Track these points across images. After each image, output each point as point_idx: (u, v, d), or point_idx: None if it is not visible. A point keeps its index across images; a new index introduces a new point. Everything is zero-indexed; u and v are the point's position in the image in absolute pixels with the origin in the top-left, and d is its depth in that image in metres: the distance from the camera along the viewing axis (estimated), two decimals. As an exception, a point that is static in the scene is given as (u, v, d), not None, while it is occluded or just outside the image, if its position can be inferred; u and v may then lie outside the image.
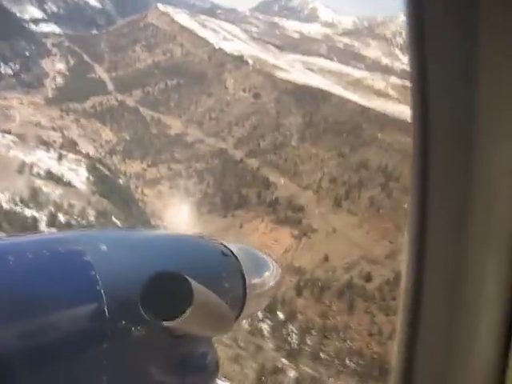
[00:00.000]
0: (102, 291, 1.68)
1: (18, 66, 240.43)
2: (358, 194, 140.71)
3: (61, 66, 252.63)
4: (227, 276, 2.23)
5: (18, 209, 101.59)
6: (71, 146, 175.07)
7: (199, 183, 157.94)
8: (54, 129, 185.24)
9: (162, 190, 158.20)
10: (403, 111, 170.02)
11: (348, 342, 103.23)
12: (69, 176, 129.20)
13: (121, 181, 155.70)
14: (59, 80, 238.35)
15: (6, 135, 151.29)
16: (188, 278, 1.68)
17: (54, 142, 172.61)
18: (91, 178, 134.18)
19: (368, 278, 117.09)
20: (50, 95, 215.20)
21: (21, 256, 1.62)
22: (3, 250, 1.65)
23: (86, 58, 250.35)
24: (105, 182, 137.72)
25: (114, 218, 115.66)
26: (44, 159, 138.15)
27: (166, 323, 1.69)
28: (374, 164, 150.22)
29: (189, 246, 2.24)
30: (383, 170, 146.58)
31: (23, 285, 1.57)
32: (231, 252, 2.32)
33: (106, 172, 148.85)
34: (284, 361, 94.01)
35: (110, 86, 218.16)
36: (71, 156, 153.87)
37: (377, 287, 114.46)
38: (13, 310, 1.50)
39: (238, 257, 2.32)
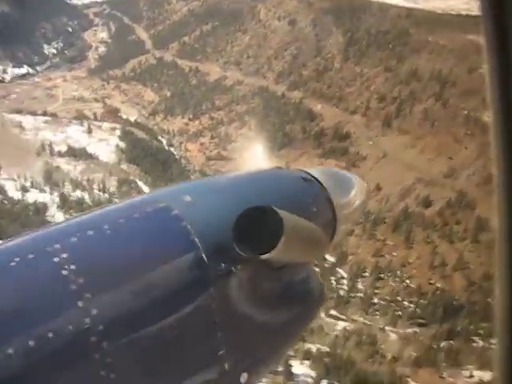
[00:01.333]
0: (197, 240, 1.72)
1: (61, 44, 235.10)
2: (410, 109, 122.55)
3: (103, 34, 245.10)
4: (313, 201, 2.22)
5: (28, 195, 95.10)
6: (112, 114, 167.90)
7: (240, 127, 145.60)
8: (96, 100, 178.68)
9: (205, 142, 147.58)
10: (455, 5, 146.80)
11: (406, 280, 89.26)
12: (95, 148, 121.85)
13: (159, 141, 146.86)
14: (102, 49, 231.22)
15: (39, 117, 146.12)
16: (275, 208, 1.68)
17: (95, 113, 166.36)
18: (122, 145, 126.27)
19: (426, 203, 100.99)
20: (93, 66, 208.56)
21: (114, 223, 1.68)
22: (97, 221, 1.70)
23: (126, 20, 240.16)
24: (137, 147, 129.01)
25: (140, 184, 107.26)
26: (74, 135, 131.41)
27: (263, 257, 1.69)
28: (425, 72, 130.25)
29: (269, 179, 2.25)
30: (436, 77, 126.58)
31: (122, 249, 1.64)
32: (312, 176, 2.32)
33: (142, 135, 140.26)
34: (333, 312, 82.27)
35: (149, 45, 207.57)
36: (106, 125, 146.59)
37: (437, 212, 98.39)
38: (118, 274, 1.56)
39: (321, 180, 2.32)
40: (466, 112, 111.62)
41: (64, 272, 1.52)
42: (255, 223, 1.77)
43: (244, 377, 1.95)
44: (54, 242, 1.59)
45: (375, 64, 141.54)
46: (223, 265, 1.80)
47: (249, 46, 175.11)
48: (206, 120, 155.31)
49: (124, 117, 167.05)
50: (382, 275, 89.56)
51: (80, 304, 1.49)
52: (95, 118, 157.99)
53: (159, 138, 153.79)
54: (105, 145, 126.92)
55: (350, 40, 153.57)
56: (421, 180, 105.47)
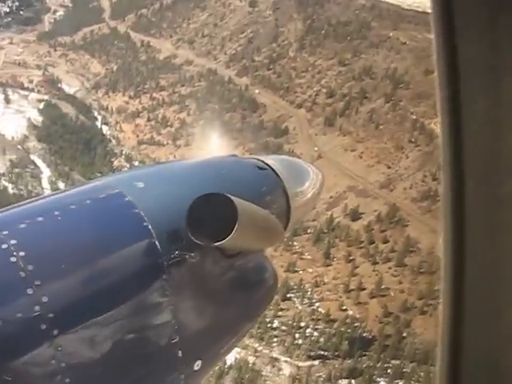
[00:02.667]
0: (150, 226, 1.67)
1: (16, 3, 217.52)
2: (357, 108, 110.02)
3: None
4: (268, 189, 2.21)
5: None
6: (50, 84, 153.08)
7: (179, 111, 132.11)
8: (38, 67, 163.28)
9: (140, 123, 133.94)
10: (422, 1, 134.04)
11: (316, 303, 77.32)
12: (4, 120, 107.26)
13: (93, 118, 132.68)
14: (60, 13, 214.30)
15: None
16: (229, 195, 1.66)
17: (31, 81, 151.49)
18: (39, 119, 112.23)
19: (355, 215, 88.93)
20: (46, 30, 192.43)
21: (65, 209, 1.64)
22: (47, 208, 1.65)
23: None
24: (57, 123, 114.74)
25: (42, 165, 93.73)
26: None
27: (217, 244, 1.67)
28: (380, 70, 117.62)
29: (223, 167, 2.22)
30: (391, 76, 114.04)
31: (74, 235, 1.59)
32: (267, 165, 2.31)
33: (69, 110, 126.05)
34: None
35: (107, 14, 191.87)
36: (33, 96, 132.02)
37: (365, 226, 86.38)
38: (70, 260, 1.53)
39: (275, 168, 2.31)
40: (414, 117, 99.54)
41: (12, 259, 1.46)
42: (209, 210, 1.72)
43: (198, 364, 1.92)
44: (2, 229, 1.52)
45: (330, 56, 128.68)
46: (177, 252, 1.75)
47: (205, 24, 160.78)
48: (147, 100, 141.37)
49: (64, 88, 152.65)
50: (290, 294, 77.41)
51: (29, 291, 1.44)
52: (28, 87, 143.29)
53: (95, 114, 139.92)
54: (19, 117, 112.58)
55: (308, 28, 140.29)
56: (354, 188, 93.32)
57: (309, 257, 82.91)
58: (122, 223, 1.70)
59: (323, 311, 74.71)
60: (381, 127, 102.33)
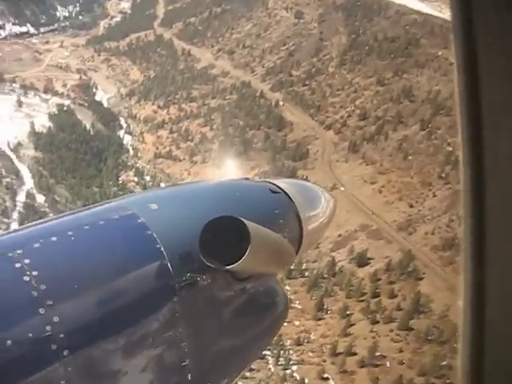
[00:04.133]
0: (162, 248, 1.68)
1: (77, 9, 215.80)
2: (388, 133, 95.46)
3: (125, 5, 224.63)
4: (280, 212, 2.21)
5: None
6: (83, 88, 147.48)
7: (204, 124, 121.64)
8: (78, 71, 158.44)
9: (162, 135, 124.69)
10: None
11: (292, 366, 63.80)
12: (6, 125, 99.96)
13: (111, 126, 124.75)
14: (117, 19, 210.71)
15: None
16: (242, 219, 1.66)
17: (65, 85, 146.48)
18: (46, 125, 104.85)
19: (362, 260, 74.81)
20: (99, 35, 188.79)
21: (79, 230, 1.64)
22: (61, 228, 1.64)
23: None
24: (65, 130, 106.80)
25: (26, 177, 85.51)
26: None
27: (228, 267, 1.66)
28: (421, 92, 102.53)
29: (237, 190, 2.23)
30: (432, 99, 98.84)
31: (87, 256, 1.59)
32: (280, 188, 2.32)
33: (85, 116, 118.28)
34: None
35: (158, 21, 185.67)
36: (54, 100, 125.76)
37: (371, 275, 72.12)
38: (83, 281, 1.52)
39: (288, 192, 2.32)
40: (450, 149, 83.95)
41: (26, 278, 1.45)
42: (222, 233, 1.71)
43: None
44: (16, 248, 1.51)
45: (369, 74, 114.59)
46: (188, 274, 1.74)
47: (248, 34, 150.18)
48: (175, 111, 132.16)
49: (98, 94, 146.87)
50: (266, 351, 64.31)
51: (41, 311, 1.43)
52: (57, 92, 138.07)
53: (121, 123, 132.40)
54: (25, 122, 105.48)
55: (352, 43, 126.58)
56: (366, 228, 79.04)
57: (299, 306, 69.44)
58: (134, 245, 1.68)
59: (299, 377, 61.24)
60: (410, 158, 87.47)
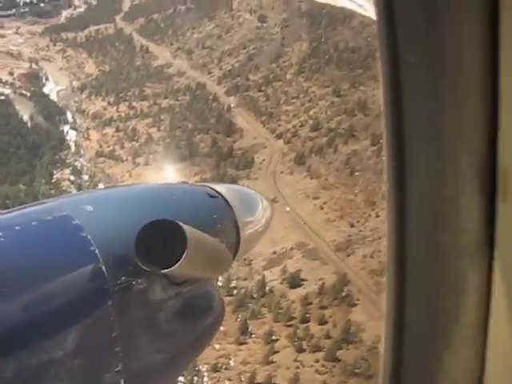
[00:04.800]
0: (97, 251, 1.61)
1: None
2: (337, 147, 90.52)
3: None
4: (218, 217, 2.15)
5: None
6: (30, 78, 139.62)
7: (151, 125, 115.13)
8: (30, 60, 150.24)
9: (108, 132, 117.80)
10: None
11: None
12: None
13: (54, 121, 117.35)
14: (81, 10, 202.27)
15: None
16: (179, 222, 1.62)
17: (12, 73, 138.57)
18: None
19: (295, 281, 69.39)
20: (58, 24, 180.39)
21: (9, 230, 1.55)
22: None
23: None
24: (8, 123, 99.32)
25: None
26: None
27: (165, 271, 1.62)
28: (377, 106, 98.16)
29: (174, 194, 2.16)
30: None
31: (18, 258, 1.51)
32: (218, 193, 2.25)
33: (22, 108, 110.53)
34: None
35: (120, 15, 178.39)
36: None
37: (302, 298, 66.72)
38: (13, 283, 1.44)
39: (226, 197, 2.24)
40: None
41: None
42: (158, 237, 1.68)
43: None
44: None
45: (326, 84, 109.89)
46: (123, 278, 1.70)
47: (209, 35, 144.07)
48: (125, 108, 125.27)
49: (49, 85, 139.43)
50: (180, 377, 58.08)
51: None
52: (3, 80, 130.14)
53: (68, 117, 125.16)
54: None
55: (313, 51, 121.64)
56: (303, 246, 73.74)
57: (222, 327, 63.18)
58: (68, 246, 1.63)
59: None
60: (357, 174, 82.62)
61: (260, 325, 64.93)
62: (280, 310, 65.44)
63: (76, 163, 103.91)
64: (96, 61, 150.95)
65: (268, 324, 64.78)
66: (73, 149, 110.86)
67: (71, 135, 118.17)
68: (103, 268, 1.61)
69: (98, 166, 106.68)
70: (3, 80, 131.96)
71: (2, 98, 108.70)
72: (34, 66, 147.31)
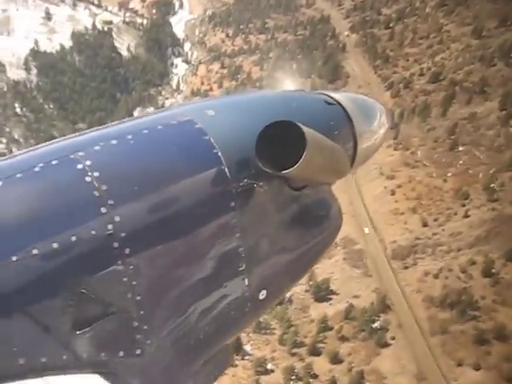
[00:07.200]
0: (219, 153, 1.64)
1: None
2: (446, 107, 64.80)
3: None
4: (335, 124, 2.13)
5: None
6: (162, 7, 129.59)
7: (257, 63, 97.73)
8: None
9: (213, 69, 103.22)
10: None
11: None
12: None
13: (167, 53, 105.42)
14: None
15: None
16: (298, 123, 1.62)
17: (144, 1, 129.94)
18: (62, 48, 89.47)
19: (320, 293, 50.36)
20: None
21: (138, 134, 1.61)
22: (121, 132, 1.63)
23: None
24: (83, 52, 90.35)
25: None
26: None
27: (284, 172, 1.63)
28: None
29: (293, 100, 2.13)
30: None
31: (146, 158, 1.57)
32: (336, 101, 2.23)
33: (124, 38, 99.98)
34: None
35: None
36: (105, 16, 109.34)
37: (322, 318, 47.72)
38: (141, 183, 1.51)
39: (344, 105, 2.22)
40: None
41: (87, 178, 1.47)
42: (278, 139, 1.69)
43: (263, 294, 1.87)
44: (78, 150, 1.53)
45: (467, 21, 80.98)
46: (245, 180, 1.71)
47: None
48: (241, 42, 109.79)
49: (180, 13, 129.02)
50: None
51: (103, 210, 1.44)
52: (134, 9, 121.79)
53: (185, 49, 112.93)
54: (42, 38, 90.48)
55: None
56: (349, 244, 53.71)
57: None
58: (192, 149, 1.65)
59: None
60: (460, 149, 58.25)
61: (262, 343, 48.07)
62: (291, 329, 47.59)
63: (166, 102, 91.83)
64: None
65: (271, 345, 47.80)
66: (174, 85, 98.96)
67: (180, 69, 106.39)
68: (226, 170, 1.63)
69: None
70: (134, 8, 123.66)
71: (110, 27, 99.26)
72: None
